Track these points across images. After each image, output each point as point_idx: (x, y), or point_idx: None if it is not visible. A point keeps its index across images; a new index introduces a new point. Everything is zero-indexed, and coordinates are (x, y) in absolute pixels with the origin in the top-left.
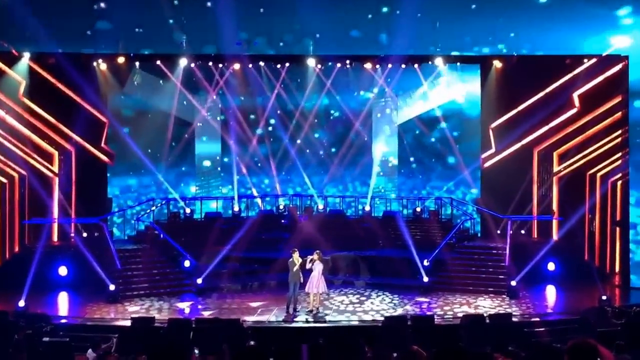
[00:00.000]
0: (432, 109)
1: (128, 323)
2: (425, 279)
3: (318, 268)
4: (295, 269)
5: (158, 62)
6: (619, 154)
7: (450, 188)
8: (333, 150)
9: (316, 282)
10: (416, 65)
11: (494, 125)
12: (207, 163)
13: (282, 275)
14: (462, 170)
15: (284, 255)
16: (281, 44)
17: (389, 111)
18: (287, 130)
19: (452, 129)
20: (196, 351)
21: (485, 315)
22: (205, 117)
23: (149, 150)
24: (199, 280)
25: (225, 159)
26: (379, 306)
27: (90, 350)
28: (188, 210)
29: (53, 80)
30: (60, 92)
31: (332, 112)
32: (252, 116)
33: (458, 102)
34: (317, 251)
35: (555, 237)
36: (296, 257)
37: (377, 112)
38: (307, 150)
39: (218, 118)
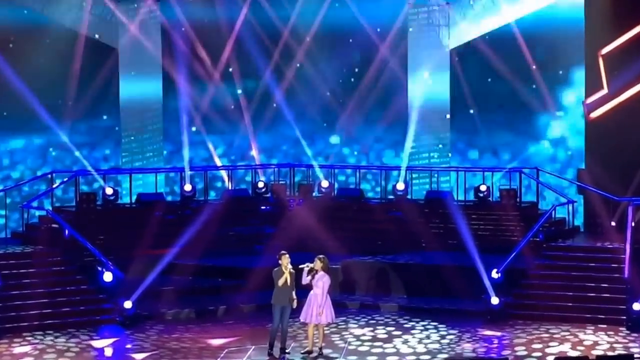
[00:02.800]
0: (505, 24)
1: None
2: (495, 300)
3: (321, 283)
4: (281, 281)
5: None
6: None
7: (538, 153)
8: (344, 91)
9: (318, 306)
10: None
11: (606, 51)
12: (139, 113)
13: (261, 294)
14: (554, 125)
15: (265, 262)
16: None
17: (436, 28)
18: (270, 60)
19: (538, 58)
20: None
21: (593, 358)
22: (137, 39)
23: (45, 94)
24: (128, 304)
25: (171, 106)
26: (420, 345)
27: None
28: (109, 191)
29: None
30: None
31: (342, 30)
32: (212, 37)
33: (547, 14)
34: (321, 256)
35: None
36: (285, 265)
37: (416, 31)
38: (302, 93)
39: (158, 41)
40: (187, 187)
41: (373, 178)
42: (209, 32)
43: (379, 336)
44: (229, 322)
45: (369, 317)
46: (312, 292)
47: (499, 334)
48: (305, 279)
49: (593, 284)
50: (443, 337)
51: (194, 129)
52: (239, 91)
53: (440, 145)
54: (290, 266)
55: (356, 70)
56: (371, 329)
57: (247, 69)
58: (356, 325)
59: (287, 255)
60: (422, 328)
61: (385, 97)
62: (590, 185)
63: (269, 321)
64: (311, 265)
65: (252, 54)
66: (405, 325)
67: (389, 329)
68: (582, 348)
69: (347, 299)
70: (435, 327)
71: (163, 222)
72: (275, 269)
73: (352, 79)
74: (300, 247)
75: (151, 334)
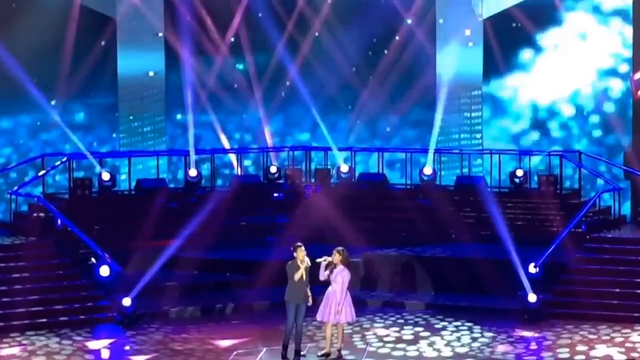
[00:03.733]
0: None
1: None
2: (533, 297)
3: (340, 278)
4: (297, 276)
5: None
6: None
7: (578, 135)
8: (365, 66)
9: (337, 303)
10: None
11: None
12: (139, 90)
13: (274, 290)
14: (599, 103)
15: (278, 255)
16: None
17: None
18: (284, 31)
19: (581, 27)
20: None
21: None
22: (137, 7)
23: (34, 69)
24: (127, 301)
25: (174, 83)
26: (449, 347)
27: None
28: (106, 176)
29: None
30: None
31: None
32: (220, 5)
33: None
34: (340, 249)
35: None
36: (301, 258)
37: None
38: (319, 68)
39: (159, 10)
40: (192, 172)
41: (398, 162)
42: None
43: (405, 337)
44: (237, 322)
45: (394, 316)
46: (330, 288)
47: (537, 334)
48: (323, 274)
49: None
50: (475, 339)
51: (179, 116)
52: (240, 66)
53: (479, 126)
54: (306, 259)
55: (377, 40)
56: (396, 329)
57: (258, 41)
58: (379, 325)
59: (303, 248)
60: (453, 328)
61: (412, 73)
62: (636, 169)
63: (282, 320)
64: (329, 258)
65: (263, 23)
66: (433, 325)
67: (416, 329)
68: (627, 350)
69: (369, 296)
70: (467, 327)
71: (165, 211)
72: (290, 263)
73: (375, 52)
74: (317, 239)
75: (152, 334)
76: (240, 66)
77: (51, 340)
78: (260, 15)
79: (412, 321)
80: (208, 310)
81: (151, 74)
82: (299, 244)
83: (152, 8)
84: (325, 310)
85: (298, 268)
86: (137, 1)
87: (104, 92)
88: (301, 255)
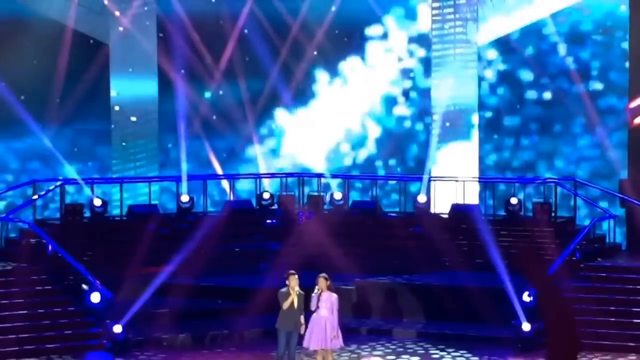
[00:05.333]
0: (541, 19)
1: None
2: (527, 326)
3: (330, 304)
4: (286, 305)
5: None
6: None
7: (577, 166)
8: None
9: (327, 330)
10: None
11: None
12: (133, 118)
13: (266, 318)
14: (594, 132)
15: (270, 282)
16: None
17: (460, 23)
18: (277, 58)
19: (577, 57)
20: None
21: None
22: (130, 34)
23: (27, 94)
24: (118, 328)
25: (167, 109)
26: None
27: None
28: (98, 202)
29: None
30: None
31: (357, 23)
32: (213, 32)
33: (587, 6)
34: (324, 275)
35: None
36: (293, 286)
37: (439, 25)
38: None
39: (153, 36)
40: (184, 198)
41: (391, 189)
42: (209, 26)
43: None
44: (229, 349)
45: (386, 344)
46: (315, 314)
47: None
48: (314, 304)
49: (638, 309)
50: None
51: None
52: (208, 94)
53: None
54: (297, 288)
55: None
56: (391, 357)
57: (253, 67)
58: (370, 353)
59: (296, 276)
60: (450, 358)
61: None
62: (632, 197)
63: (274, 348)
64: (318, 288)
65: (258, 50)
66: (425, 354)
67: (410, 358)
68: None
69: (361, 324)
70: (461, 356)
71: (157, 237)
72: (281, 290)
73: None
74: (310, 266)
75: None
76: (207, 94)
77: None
78: (254, 43)
79: (404, 349)
80: (200, 338)
81: (117, 108)
82: (291, 271)
83: (146, 34)
84: (319, 337)
85: (289, 296)
86: (131, 27)
87: (97, 118)
88: (293, 283)
